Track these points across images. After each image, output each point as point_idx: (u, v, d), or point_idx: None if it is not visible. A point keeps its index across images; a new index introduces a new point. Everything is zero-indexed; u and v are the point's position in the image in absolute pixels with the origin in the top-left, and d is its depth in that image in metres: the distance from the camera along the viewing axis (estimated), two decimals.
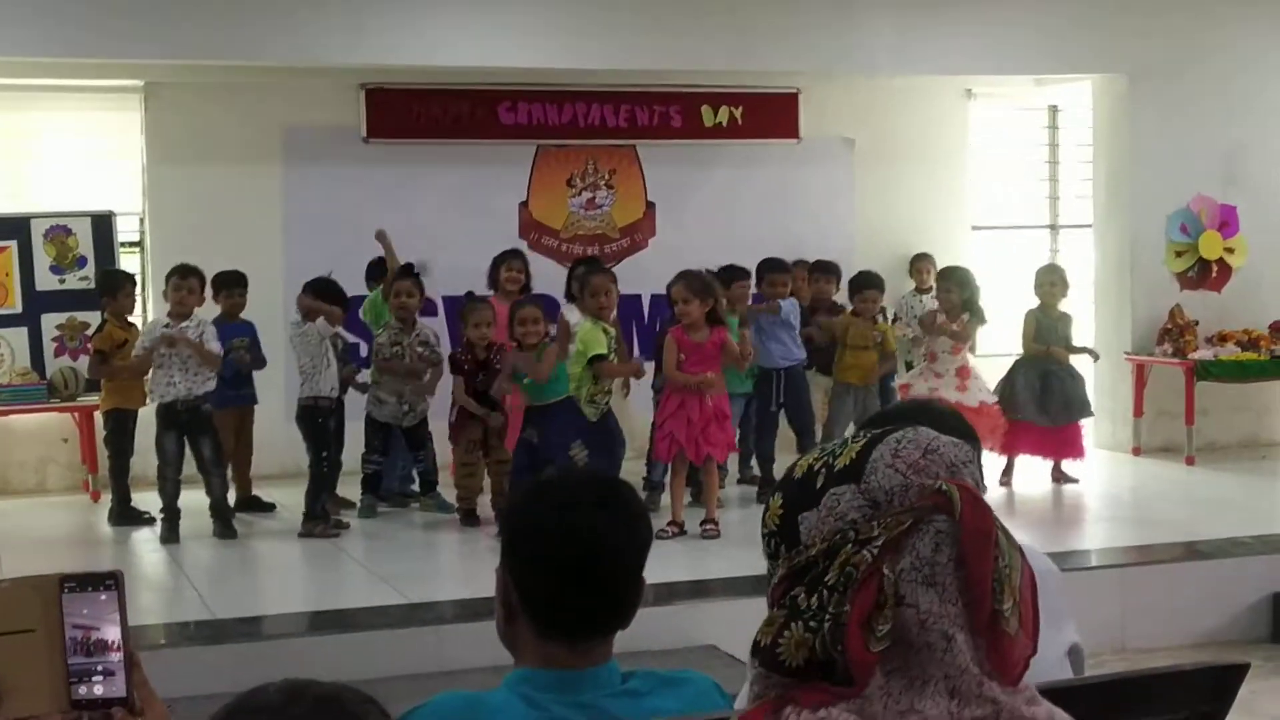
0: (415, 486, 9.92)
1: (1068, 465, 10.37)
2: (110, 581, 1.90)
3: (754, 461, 10.25)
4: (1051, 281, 10.41)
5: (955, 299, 9.89)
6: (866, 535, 1.61)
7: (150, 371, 9.06)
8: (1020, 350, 10.41)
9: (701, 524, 8.73)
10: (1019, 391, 10.10)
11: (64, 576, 1.90)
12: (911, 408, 3.28)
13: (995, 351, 11.21)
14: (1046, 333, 10.29)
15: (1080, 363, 10.76)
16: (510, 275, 9.70)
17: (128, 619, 1.91)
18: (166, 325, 8.98)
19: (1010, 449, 10.04)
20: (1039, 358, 10.20)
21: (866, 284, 10.13)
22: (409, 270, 9.65)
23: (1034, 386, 10.14)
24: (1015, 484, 10.22)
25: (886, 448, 1.69)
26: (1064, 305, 10.53)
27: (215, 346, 9.09)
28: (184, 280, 9.06)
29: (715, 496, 8.91)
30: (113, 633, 1.90)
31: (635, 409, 10.08)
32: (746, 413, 9.89)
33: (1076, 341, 10.69)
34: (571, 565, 2.12)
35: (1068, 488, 10.28)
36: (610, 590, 2.15)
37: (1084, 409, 10.34)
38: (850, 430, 9.80)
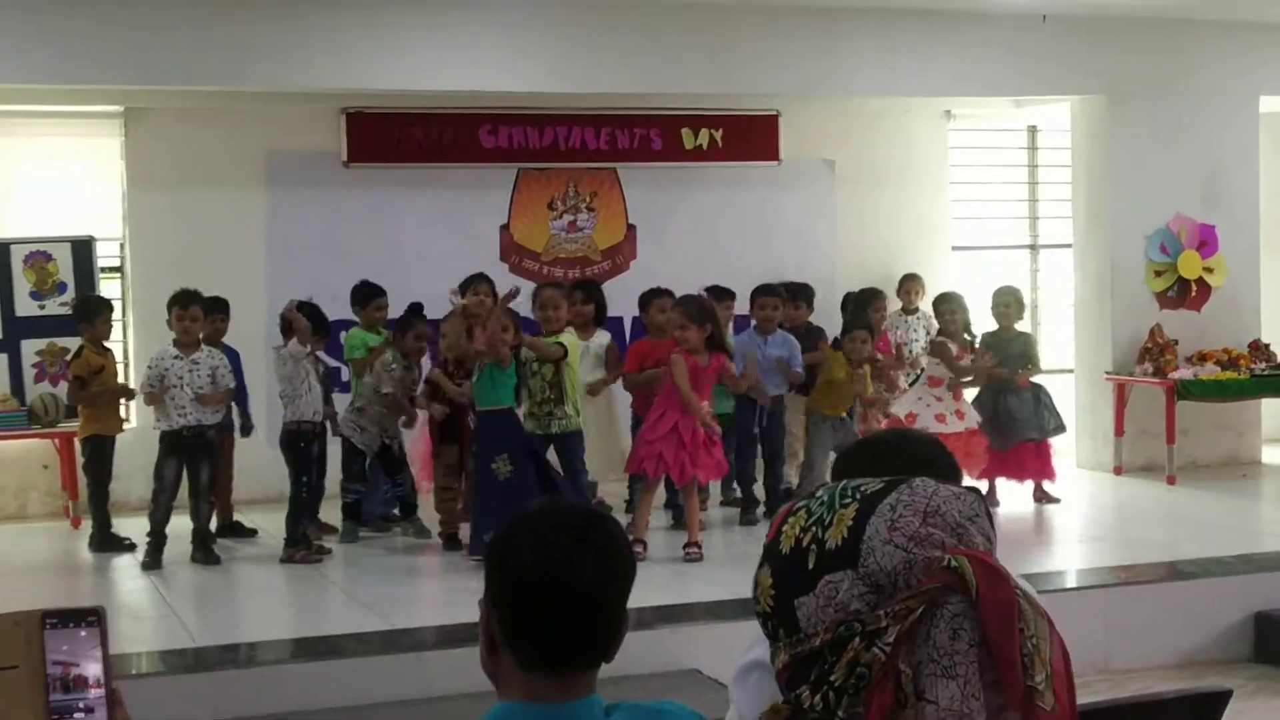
0: (396, 511, 9.90)
1: (1048, 485, 10.38)
2: (93, 618, 1.90)
3: (735, 484, 10.26)
4: (1005, 303, 10.42)
5: (959, 321, 9.94)
6: (875, 627, 1.47)
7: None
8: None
9: (684, 547, 8.73)
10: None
11: (46, 612, 1.89)
12: (892, 436, 3.22)
13: None
14: (999, 354, 10.26)
15: (1061, 382, 10.79)
16: (476, 300, 9.71)
17: (109, 655, 1.91)
18: (177, 357, 8.99)
19: (984, 473, 10.05)
20: (992, 380, 10.18)
21: (853, 326, 10.00)
22: (420, 312, 9.72)
23: (986, 408, 10.16)
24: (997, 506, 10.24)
25: (881, 520, 1.52)
26: (1027, 325, 10.59)
27: (230, 381, 9.22)
28: (185, 310, 9.05)
29: (697, 519, 8.91)
30: (94, 669, 1.90)
31: (625, 428, 10.09)
32: (727, 435, 9.93)
33: (1043, 361, 10.74)
34: (551, 600, 2.11)
35: (1049, 507, 10.28)
36: (592, 625, 2.14)
37: (1026, 430, 10.15)
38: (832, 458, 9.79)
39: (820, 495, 1.61)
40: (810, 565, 1.53)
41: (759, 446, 10.09)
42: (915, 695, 1.44)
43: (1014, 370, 10.20)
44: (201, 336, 9.41)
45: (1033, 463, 10.26)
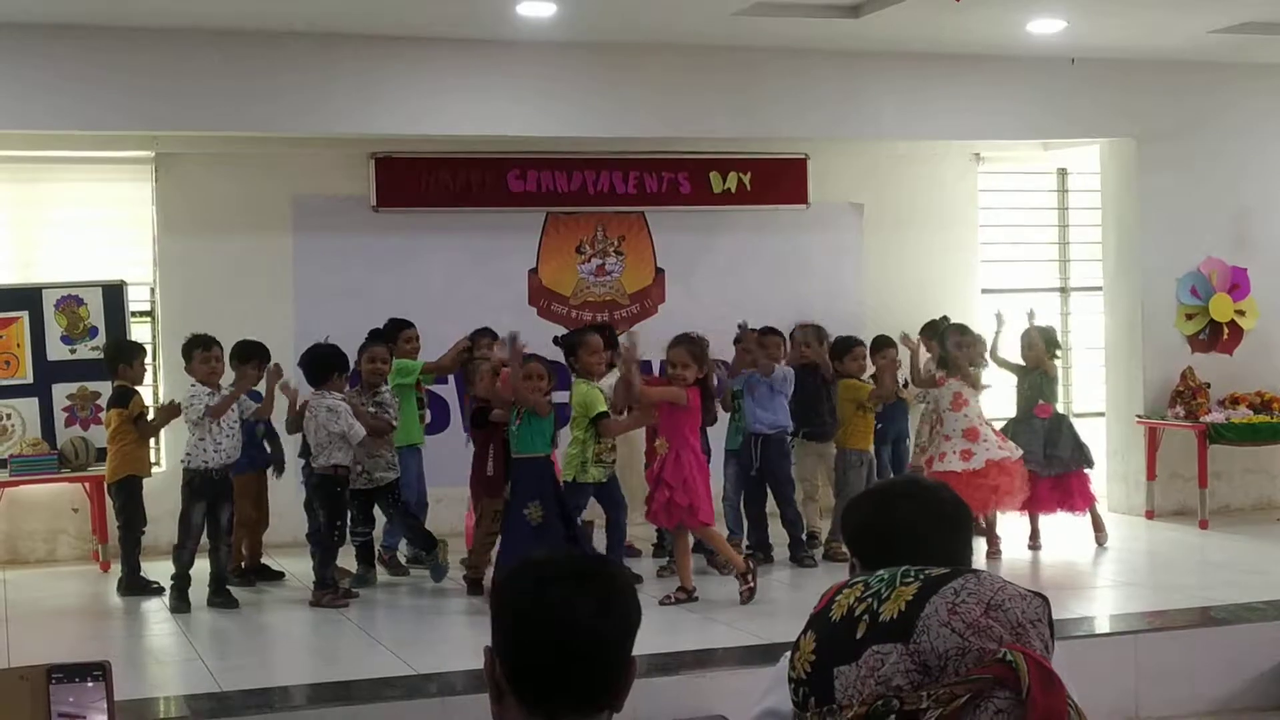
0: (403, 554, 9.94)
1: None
2: (98, 672, 1.90)
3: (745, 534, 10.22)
4: (1029, 344, 10.47)
5: (966, 354, 9.97)
6: (914, 706, 1.42)
7: (191, 437, 9.06)
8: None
9: (676, 591, 8.75)
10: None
11: (52, 667, 1.89)
12: (900, 482, 3.21)
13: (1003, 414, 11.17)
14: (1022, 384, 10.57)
15: (1092, 426, 10.77)
16: (482, 354, 9.80)
17: (114, 707, 1.91)
18: (210, 394, 9.02)
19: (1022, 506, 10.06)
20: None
21: (853, 344, 10.23)
22: (380, 336, 9.76)
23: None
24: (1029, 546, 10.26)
25: (942, 601, 1.47)
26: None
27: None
28: (209, 351, 9.12)
29: (689, 563, 9.00)
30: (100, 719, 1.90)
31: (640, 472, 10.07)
32: (738, 477, 9.97)
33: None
34: (552, 646, 2.12)
35: (1078, 552, 10.24)
36: (594, 671, 2.14)
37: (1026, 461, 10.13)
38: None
39: (881, 573, 1.58)
40: (859, 635, 1.49)
41: (766, 488, 10.04)
42: None
43: (1032, 402, 10.28)
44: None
45: (1049, 495, 10.16)
